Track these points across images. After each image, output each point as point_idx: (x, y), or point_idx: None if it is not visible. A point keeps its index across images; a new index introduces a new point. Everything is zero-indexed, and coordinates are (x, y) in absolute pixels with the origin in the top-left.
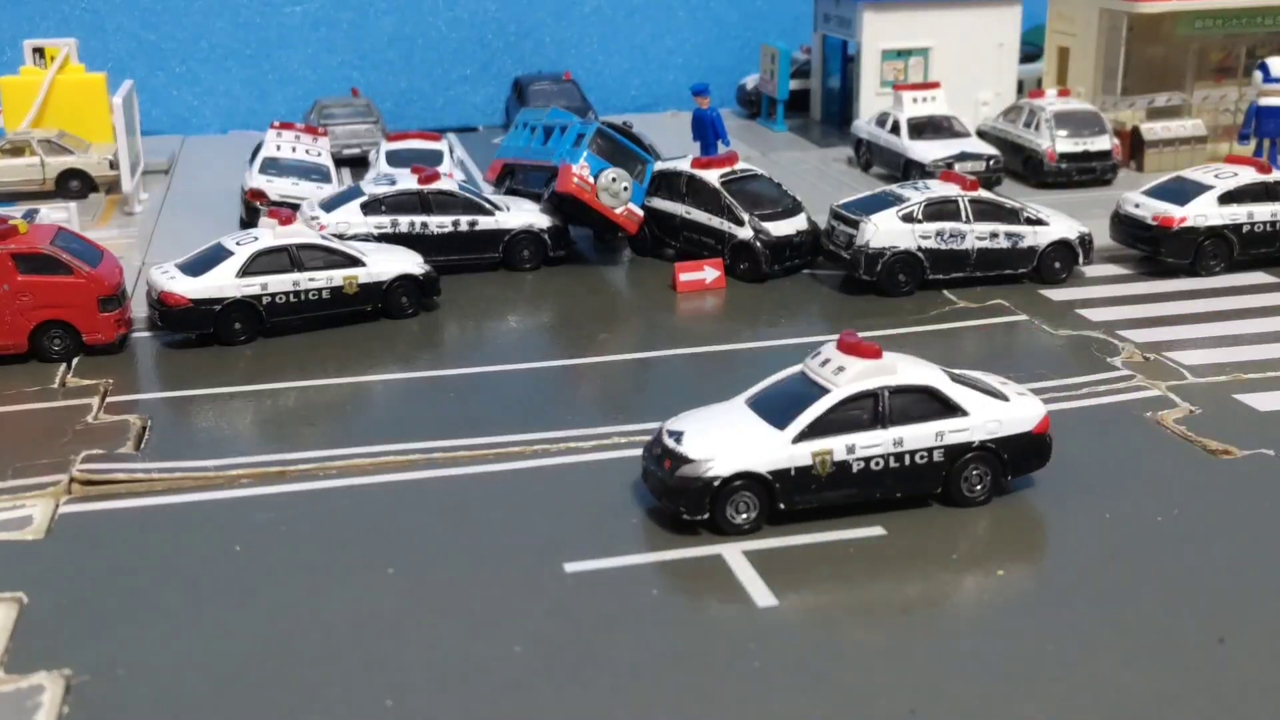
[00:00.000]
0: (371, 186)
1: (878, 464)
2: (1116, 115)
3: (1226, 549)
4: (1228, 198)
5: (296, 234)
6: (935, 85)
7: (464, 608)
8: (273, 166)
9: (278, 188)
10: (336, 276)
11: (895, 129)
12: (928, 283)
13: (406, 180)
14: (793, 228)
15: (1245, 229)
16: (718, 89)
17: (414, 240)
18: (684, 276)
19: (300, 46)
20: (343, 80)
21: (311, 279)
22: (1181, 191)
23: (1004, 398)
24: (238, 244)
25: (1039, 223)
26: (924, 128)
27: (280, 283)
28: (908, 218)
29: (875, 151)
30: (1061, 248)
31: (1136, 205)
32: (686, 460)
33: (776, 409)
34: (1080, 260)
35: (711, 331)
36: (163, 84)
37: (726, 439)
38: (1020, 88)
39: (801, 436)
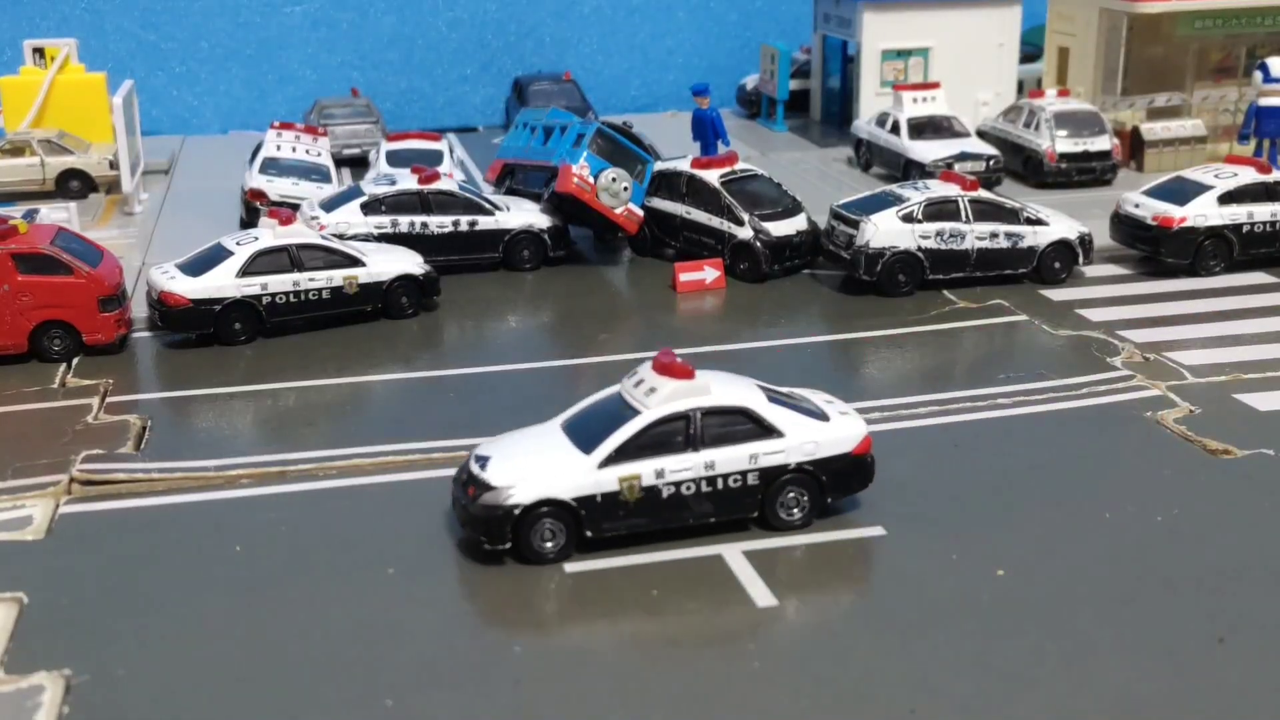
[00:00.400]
0: (371, 186)
1: (689, 488)
2: (1116, 115)
3: (1226, 549)
4: (1228, 198)
5: (296, 234)
6: (935, 85)
7: (464, 607)
8: (273, 166)
9: (278, 188)
10: (336, 276)
11: (895, 129)
12: (928, 283)
13: (406, 180)
14: (793, 228)
15: (1245, 229)
16: (718, 89)
17: (414, 240)
18: (684, 276)
19: (300, 46)
20: (343, 80)
21: (311, 279)
22: (1181, 191)
23: (825, 417)
24: (238, 244)
25: (1039, 223)
26: (924, 128)
27: (280, 283)
28: (908, 218)
29: (875, 151)
30: (1061, 248)
31: (1136, 205)
32: (489, 487)
33: (588, 432)
34: (1080, 260)
35: (711, 331)
36: (163, 84)
37: (531, 465)
38: (1020, 88)
39: (608, 461)
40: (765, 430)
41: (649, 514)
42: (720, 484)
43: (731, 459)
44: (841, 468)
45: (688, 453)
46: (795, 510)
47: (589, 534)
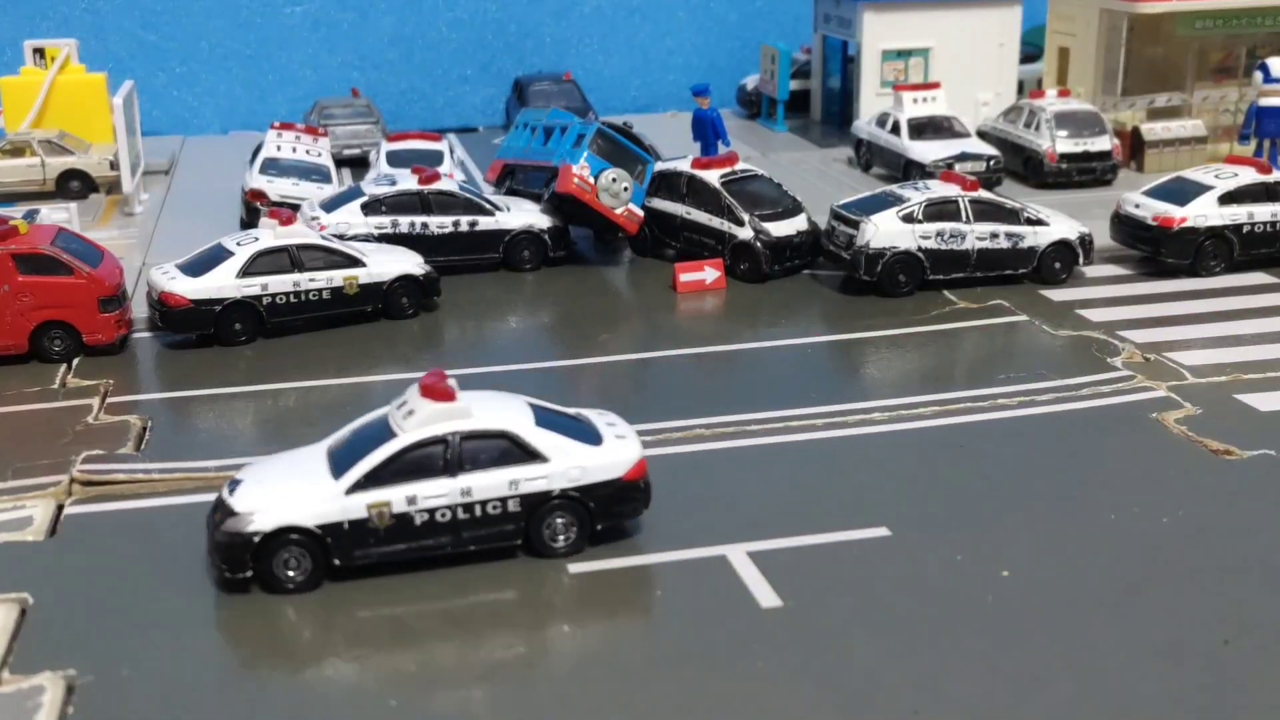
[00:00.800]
0: (372, 187)
1: (444, 515)
2: (1116, 116)
3: (1231, 550)
4: (1228, 198)
5: (297, 234)
6: (935, 86)
7: (467, 607)
8: (273, 167)
9: (278, 188)
10: (337, 277)
11: (895, 129)
12: (928, 283)
13: (407, 180)
14: (793, 228)
15: (1245, 229)
16: (718, 89)
17: (414, 240)
18: (684, 277)
19: (300, 47)
20: (343, 80)
21: (312, 279)
22: (1181, 192)
23: (598, 441)
24: (238, 244)
25: (1039, 223)
26: (924, 128)
27: (280, 283)
28: (908, 218)
29: (875, 152)
30: (1062, 248)
31: (1136, 205)
32: (232, 513)
33: (347, 457)
34: (1080, 260)
35: (712, 332)
36: (163, 84)
37: (279, 490)
38: (1020, 88)
39: (356, 487)
40: (529, 455)
41: (402, 542)
42: (479, 511)
43: (490, 485)
44: (610, 494)
45: (444, 478)
46: (561, 537)
47: (337, 562)
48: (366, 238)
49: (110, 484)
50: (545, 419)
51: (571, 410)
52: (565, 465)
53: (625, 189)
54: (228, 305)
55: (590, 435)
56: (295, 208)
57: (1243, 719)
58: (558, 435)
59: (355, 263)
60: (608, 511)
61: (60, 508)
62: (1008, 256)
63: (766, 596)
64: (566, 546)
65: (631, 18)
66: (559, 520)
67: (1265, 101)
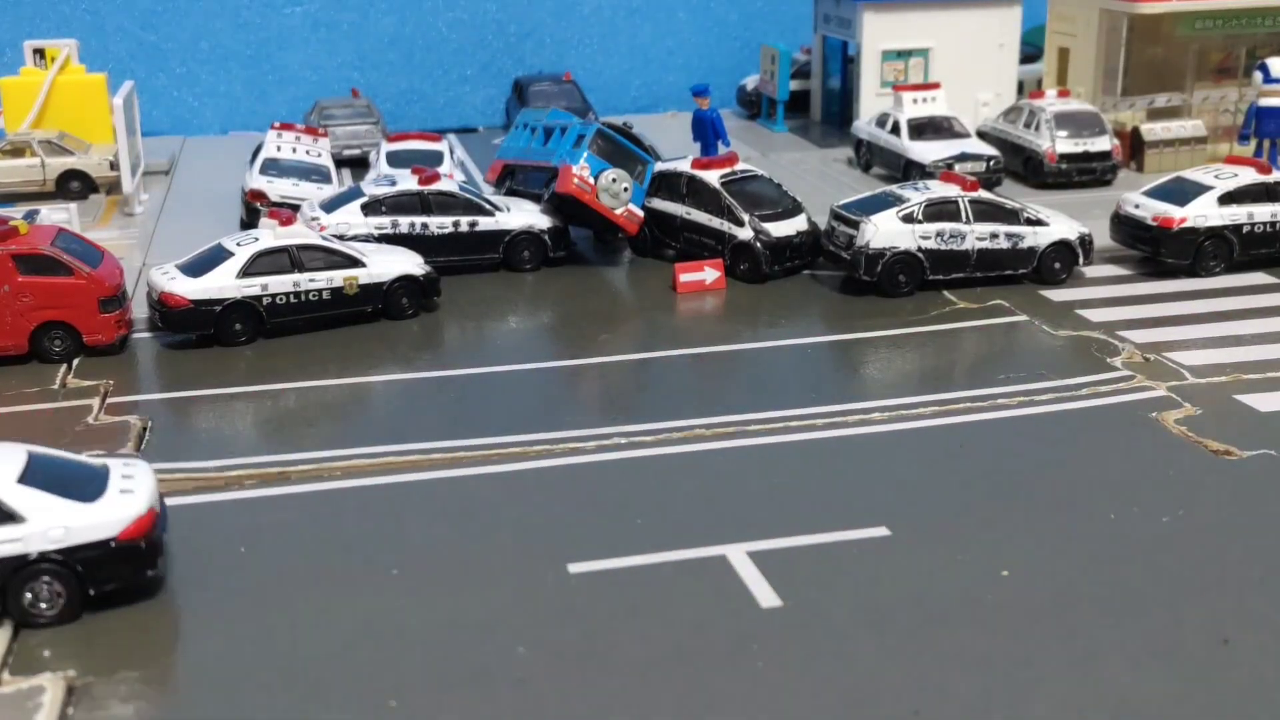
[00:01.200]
0: (372, 187)
1: None
2: (1116, 116)
3: (1231, 550)
4: (1228, 198)
5: (297, 235)
6: (935, 86)
7: (468, 608)
8: (273, 167)
9: (278, 188)
10: (337, 277)
11: (895, 130)
12: (928, 283)
13: (407, 181)
14: (793, 228)
15: (1245, 229)
16: (718, 89)
17: (414, 241)
18: (684, 277)
19: (300, 47)
20: (343, 81)
21: (312, 280)
22: (1181, 192)
23: (94, 498)
24: (238, 245)
25: (1039, 223)
26: (924, 128)
27: (280, 283)
28: (908, 218)
29: (875, 152)
30: (1062, 248)
31: (1136, 206)
32: None
33: None
34: (1080, 261)
35: (712, 332)
36: (163, 85)
37: None
38: (1020, 88)
39: None
40: (3, 515)
41: None
42: None
43: None
44: (100, 556)
45: None
46: (44, 604)
47: None
48: (366, 238)
49: None
50: (37, 472)
51: (98, 461)
52: (45, 525)
53: (625, 189)
54: (228, 305)
55: (90, 490)
56: (295, 208)
57: (1242, 718)
58: (42, 492)
59: (355, 263)
60: (100, 575)
61: None
62: (1007, 257)
63: (766, 596)
64: (53, 615)
65: (631, 18)
66: (42, 586)
67: (1265, 101)
